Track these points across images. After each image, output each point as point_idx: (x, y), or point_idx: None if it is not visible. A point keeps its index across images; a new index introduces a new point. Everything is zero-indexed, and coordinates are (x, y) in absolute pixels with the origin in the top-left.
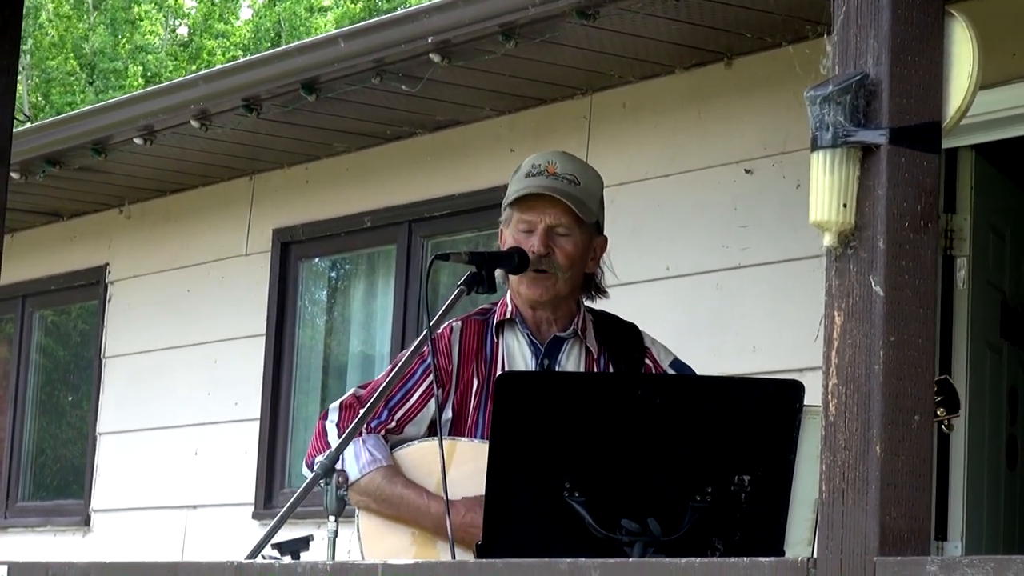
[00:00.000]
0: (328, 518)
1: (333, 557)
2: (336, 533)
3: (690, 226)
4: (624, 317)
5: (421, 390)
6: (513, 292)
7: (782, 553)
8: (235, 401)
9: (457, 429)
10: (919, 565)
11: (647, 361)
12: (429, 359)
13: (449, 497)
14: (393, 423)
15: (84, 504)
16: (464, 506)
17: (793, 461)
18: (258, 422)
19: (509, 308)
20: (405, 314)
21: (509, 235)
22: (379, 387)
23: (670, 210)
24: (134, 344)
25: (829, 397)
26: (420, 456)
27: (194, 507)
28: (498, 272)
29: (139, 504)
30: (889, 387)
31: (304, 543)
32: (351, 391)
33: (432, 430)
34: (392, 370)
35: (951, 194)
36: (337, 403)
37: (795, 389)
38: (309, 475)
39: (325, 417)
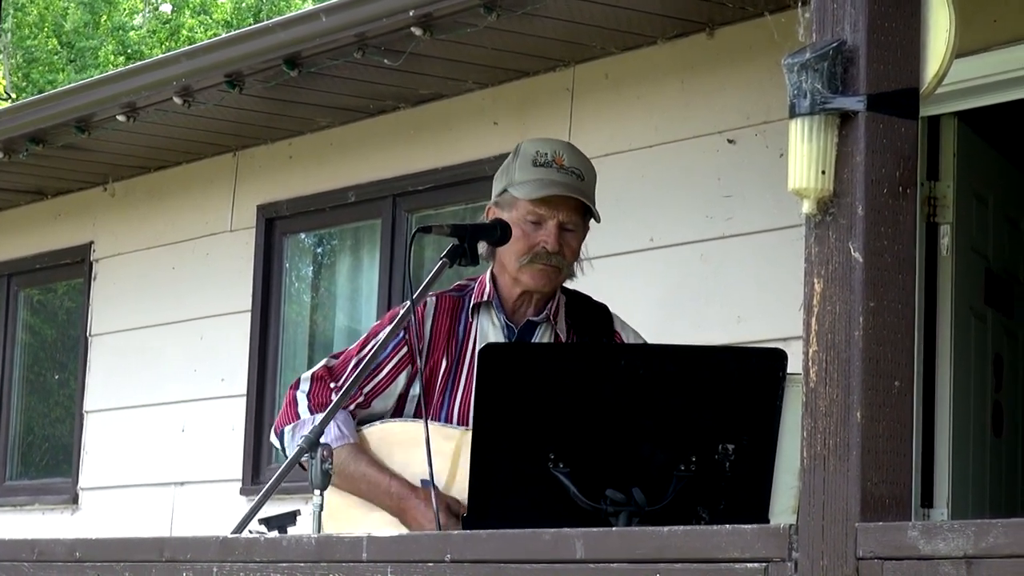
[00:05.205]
0: (313, 492)
1: (319, 531)
2: (321, 507)
3: (674, 197)
4: (609, 288)
5: (391, 365)
6: (505, 275)
7: (767, 521)
8: (221, 377)
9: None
10: (901, 530)
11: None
12: (401, 333)
13: (408, 480)
14: (361, 397)
15: (72, 482)
16: (423, 497)
17: (777, 429)
18: (245, 398)
19: (487, 289)
20: (390, 288)
21: (509, 219)
22: (352, 358)
23: (653, 181)
24: (120, 322)
25: (810, 364)
26: (379, 438)
27: (181, 484)
28: (480, 245)
29: (127, 482)
30: (869, 353)
31: (291, 518)
32: (323, 362)
33: (400, 404)
34: (365, 343)
35: (934, 161)
36: (309, 373)
37: (778, 358)
38: (276, 443)
39: (296, 387)
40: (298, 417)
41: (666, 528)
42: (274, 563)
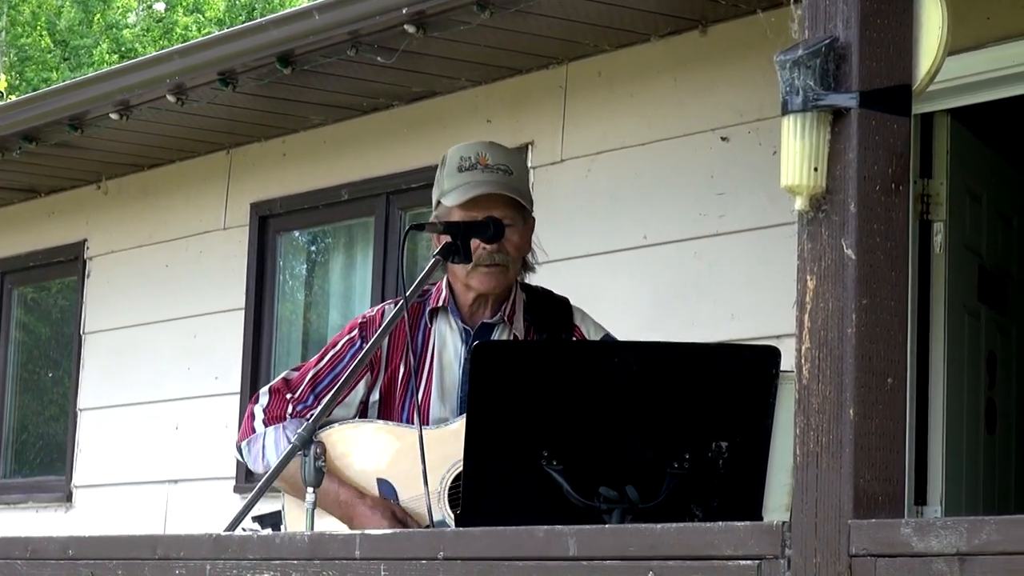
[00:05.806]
0: (306, 490)
1: (312, 528)
2: (315, 504)
3: (667, 194)
4: (603, 286)
5: (348, 374)
6: (458, 282)
7: (760, 518)
8: (215, 375)
9: (385, 414)
10: (893, 528)
11: (575, 339)
12: (359, 342)
13: (359, 484)
14: (319, 406)
15: (66, 480)
16: (370, 504)
17: (770, 427)
18: (238, 396)
19: (443, 294)
20: (384, 286)
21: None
22: (310, 370)
23: (647, 179)
24: (114, 320)
25: (802, 361)
26: (337, 441)
27: (175, 481)
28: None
29: (121, 479)
30: (862, 350)
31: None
32: (283, 374)
33: (362, 412)
34: (323, 355)
35: (927, 159)
36: (267, 387)
37: (772, 355)
38: (239, 457)
39: (256, 400)
40: (253, 431)
41: (659, 525)
42: (267, 560)
